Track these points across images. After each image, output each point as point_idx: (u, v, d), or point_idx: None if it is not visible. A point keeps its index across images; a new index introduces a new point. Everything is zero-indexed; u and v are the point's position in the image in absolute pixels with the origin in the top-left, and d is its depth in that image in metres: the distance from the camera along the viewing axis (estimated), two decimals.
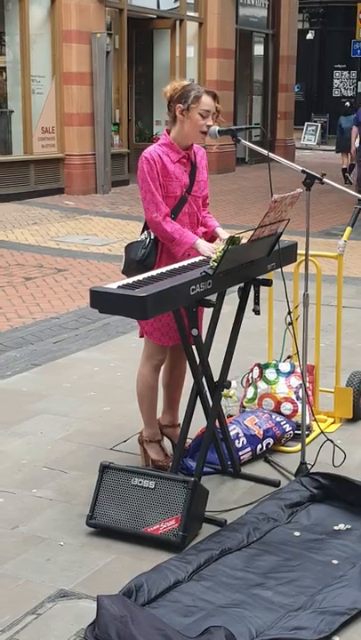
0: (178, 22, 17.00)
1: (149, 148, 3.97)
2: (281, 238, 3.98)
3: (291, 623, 2.93)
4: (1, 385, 5.41)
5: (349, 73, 30.00)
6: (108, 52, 14.10)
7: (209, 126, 3.93)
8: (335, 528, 3.64)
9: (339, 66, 30.02)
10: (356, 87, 29.36)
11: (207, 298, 3.64)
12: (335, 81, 30.22)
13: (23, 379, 5.53)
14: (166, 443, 4.30)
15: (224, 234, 4.11)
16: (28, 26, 13.51)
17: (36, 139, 13.95)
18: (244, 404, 4.77)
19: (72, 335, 6.51)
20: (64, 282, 8.33)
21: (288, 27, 21.41)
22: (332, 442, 4.21)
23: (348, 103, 19.24)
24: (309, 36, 30.19)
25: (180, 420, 4.15)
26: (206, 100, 3.90)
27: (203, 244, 3.92)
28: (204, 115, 3.90)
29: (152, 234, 3.96)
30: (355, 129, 15.29)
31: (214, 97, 3.96)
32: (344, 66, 29.93)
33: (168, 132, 3.99)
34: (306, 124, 27.35)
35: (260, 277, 3.99)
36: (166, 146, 3.96)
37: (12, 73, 13.82)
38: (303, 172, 3.90)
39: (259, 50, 21.10)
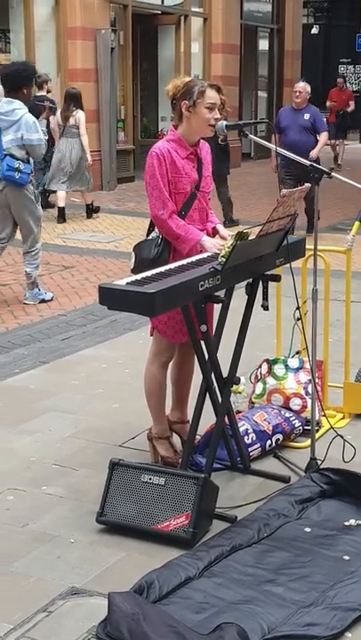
0: (182, 18, 16.96)
1: (158, 143, 3.96)
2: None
3: (303, 619, 2.93)
4: (9, 382, 5.41)
5: (355, 67, 29.86)
6: (112, 49, 14.08)
7: (217, 119, 3.92)
8: (346, 524, 3.63)
9: (344, 60, 29.90)
10: None
11: (216, 294, 3.63)
12: None
13: (31, 376, 5.53)
14: (175, 439, 4.30)
15: (224, 231, 4.10)
16: (32, 23, 13.50)
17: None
18: (253, 399, 4.76)
19: (79, 332, 6.50)
20: (71, 279, 8.32)
21: (293, 21, 21.35)
22: (342, 437, 4.19)
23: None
24: (314, 30, 30.12)
25: (190, 416, 4.14)
26: (211, 94, 3.89)
27: (208, 241, 3.90)
28: (211, 107, 3.88)
29: None
30: None
31: (218, 89, 3.94)
32: (349, 60, 29.80)
33: (175, 127, 3.98)
34: None
35: (269, 273, 3.98)
36: (175, 142, 3.94)
37: None
38: (311, 166, 3.89)
39: (264, 45, 21.04)
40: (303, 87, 10.26)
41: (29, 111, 7.02)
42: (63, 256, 9.38)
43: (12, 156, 6.88)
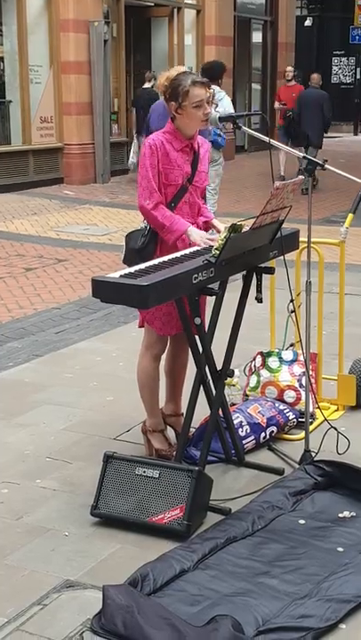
0: (176, 10, 16.92)
1: (153, 134, 3.96)
2: (282, 226, 3.96)
3: (297, 611, 2.93)
4: (3, 376, 5.41)
5: (348, 59, 29.82)
6: (105, 41, 14.05)
7: (206, 114, 3.91)
8: (340, 515, 3.64)
9: (338, 52, 29.84)
10: (356, 73, 29.24)
11: (210, 286, 3.63)
12: (334, 67, 30.07)
13: (25, 369, 5.52)
14: (170, 432, 4.29)
15: (220, 225, 4.10)
16: (25, 15, 13.46)
17: (35, 128, 13.91)
18: (247, 392, 4.76)
19: (74, 325, 6.50)
20: (65, 272, 8.31)
21: (286, 13, 21.34)
22: (335, 429, 4.20)
23: None
24: (308, 22, 30.00)
25: (184, 409, 4.14)
26: (195, 92, 3.85)
27: (195, 232, 3.89)
28: (199, 104, 3.87)
29: None
30: None
31: (203, 84, 3.90)
32: (343, 52, 29.75)
33: (172, 119, 3.97)
34: None
35: (263, 265, 3.97)
36: (170, 134, 3.94)
37: (9, 63, 13.76)
38: (305, 158, 3.88)
39: (257, 37, 21.02)
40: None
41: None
42: (57, 249, 9.37)
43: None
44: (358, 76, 29.08)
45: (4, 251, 9.26)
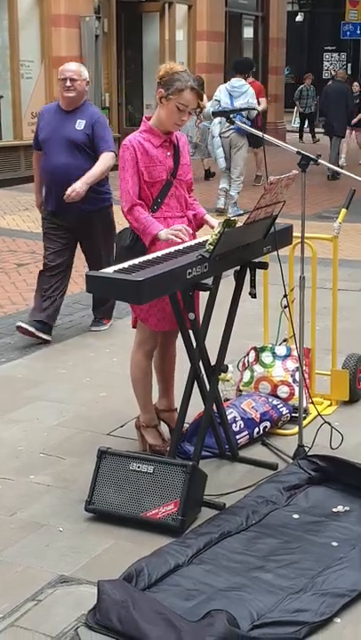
0: (167, 5, 16.88)
1: (130, 135, 3.96)
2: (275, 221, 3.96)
3: (292, 605, 2.93)
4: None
5: (339, 55, 29.85)
6: (97, 36, 14.01)
7: (183, 121, 3.92)
8: (334, 510, 3.64)
9: (329, 48, 29.88)
10: (347, 69, 29.24)
11: (203, 281, 3.62)
12: (325, 63, 30.09)
13: (18, 365, 5.51)
14: (163, 427, 4.29)
15: (213, 220, 4.10)
16: (16, 10, 13.40)
17: (26, 124, 13.85)
18: (241, 387, 4.76)
19: (66, 321, 6.48)
20: None
21: (277, 9, 21.31)
22: (329, 424, 4.20)
23: None
24: (299, 18, 30.03)
25: (177, 404, 4.14)
26: (188, 96, 3.85)
27: (162, 233, 3.83)
28: (181, 108, 3.86)
29: None
30: None
31: (198, 94, 3.89)
32: (334, 47, 29.79)
33: (148, 118, 3.98)
34: (296, 106, 27.22)
35: (257, 260, 3.97)
36: (146, 132, 3.94)
37: (0, 58, 13.71)
38: (298, 153, 3.88)
39: (248, 32, 20.99)
40: None
41: None
42: None
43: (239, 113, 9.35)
44: (350, 72, 29.07)
45: None
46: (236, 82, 10.76)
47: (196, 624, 2.80)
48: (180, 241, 3.79)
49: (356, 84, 18.08)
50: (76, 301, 7.00)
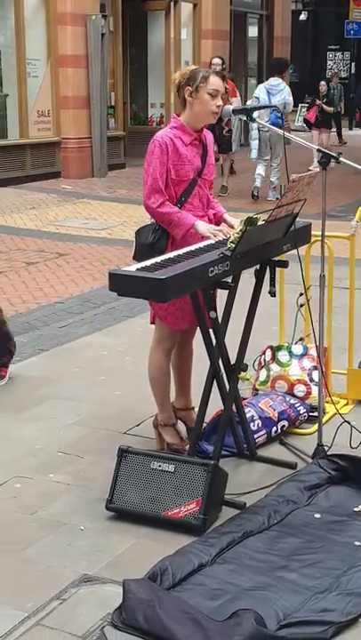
0: (172, 4, 16.85)
1: (160, 131, 3.93)
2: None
3: (318, 605, 2.92)
4: (10, 370, 5.37)
5: (343, 54, 29.83)
6: (103, 35, 13.99)
7: (219, 106, 3.90)
8: (355, 509, 3.63)
9: (332, 47, 29.85)
10: (350, 68, 29.23)
11: (224, 280, 3.61)
12: (329, 62, 30.07)
13: (32, 364, 5.50)
14: (180, 426, 4.28)
15: (232, 220, 4.08)
16: (22, 9, 13.39)
17: (32, 122, 13.86)
18: (257, 386, 4.75)
19: (77, 320, 6.47)
20: (66, 266, 8.28)
21: (282, 7, 21.30)
22: (349, 423, 4.18)
23: None
24: (303, 16, 30.01)
25: (194, 403, 4.13)
26: (214, 81, 3.87)
27: (202, 225, 3.88)
28: (213, 94, 3.86)
29: None
30: None
31: (223, 78, 3.92)
32: (338, 46, 29.77)
33: (178, 115, 3.96)
34: (300, 105, 27.20)
35: (277, 259, 3.96)
36: (177, 129, 3.92)
37: (6, 56, 13.68)
38: (319, 150, 3.87)
39: (253, 31, 20.99)
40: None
41: None
42: (57, 243, 9.33)
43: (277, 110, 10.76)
44: (353, 71, 29.06)
45: (4, 245, 9.22)
46: (275, 81, 11.86)
47: (223, 623, 2.79)
48: (212, 237, 3.79)
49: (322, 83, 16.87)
50: (87, 300, 6.99)
